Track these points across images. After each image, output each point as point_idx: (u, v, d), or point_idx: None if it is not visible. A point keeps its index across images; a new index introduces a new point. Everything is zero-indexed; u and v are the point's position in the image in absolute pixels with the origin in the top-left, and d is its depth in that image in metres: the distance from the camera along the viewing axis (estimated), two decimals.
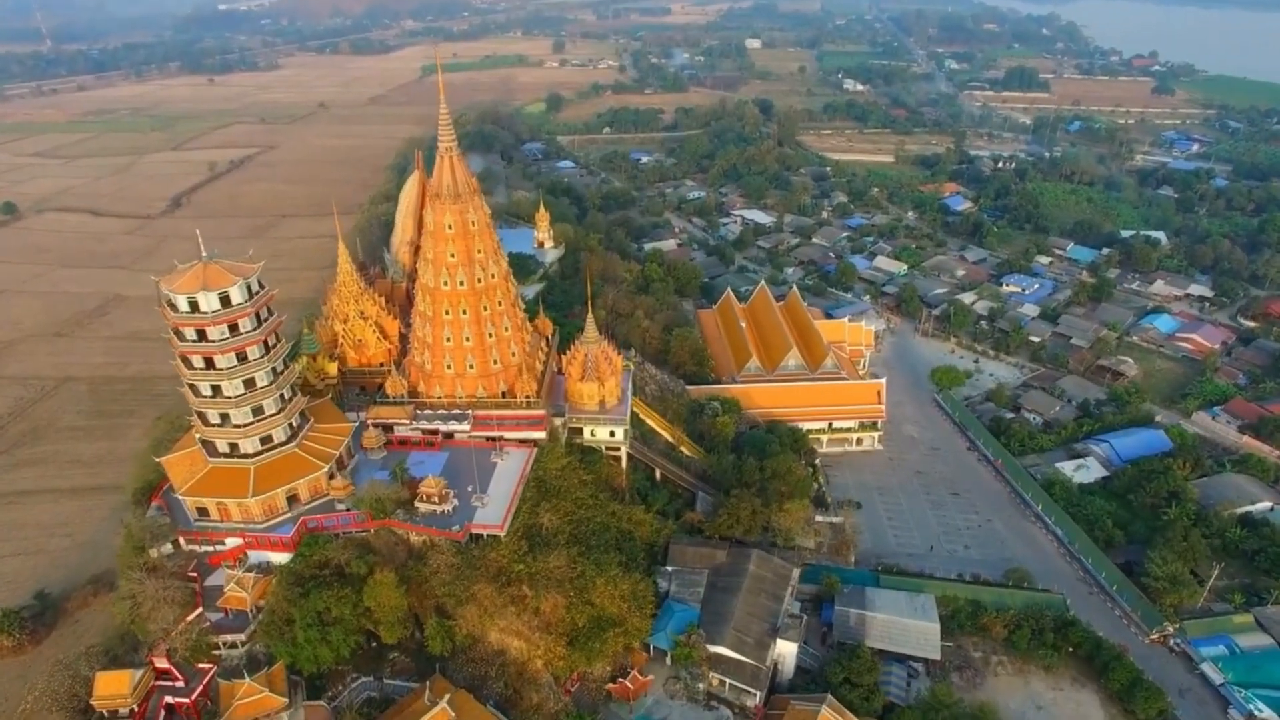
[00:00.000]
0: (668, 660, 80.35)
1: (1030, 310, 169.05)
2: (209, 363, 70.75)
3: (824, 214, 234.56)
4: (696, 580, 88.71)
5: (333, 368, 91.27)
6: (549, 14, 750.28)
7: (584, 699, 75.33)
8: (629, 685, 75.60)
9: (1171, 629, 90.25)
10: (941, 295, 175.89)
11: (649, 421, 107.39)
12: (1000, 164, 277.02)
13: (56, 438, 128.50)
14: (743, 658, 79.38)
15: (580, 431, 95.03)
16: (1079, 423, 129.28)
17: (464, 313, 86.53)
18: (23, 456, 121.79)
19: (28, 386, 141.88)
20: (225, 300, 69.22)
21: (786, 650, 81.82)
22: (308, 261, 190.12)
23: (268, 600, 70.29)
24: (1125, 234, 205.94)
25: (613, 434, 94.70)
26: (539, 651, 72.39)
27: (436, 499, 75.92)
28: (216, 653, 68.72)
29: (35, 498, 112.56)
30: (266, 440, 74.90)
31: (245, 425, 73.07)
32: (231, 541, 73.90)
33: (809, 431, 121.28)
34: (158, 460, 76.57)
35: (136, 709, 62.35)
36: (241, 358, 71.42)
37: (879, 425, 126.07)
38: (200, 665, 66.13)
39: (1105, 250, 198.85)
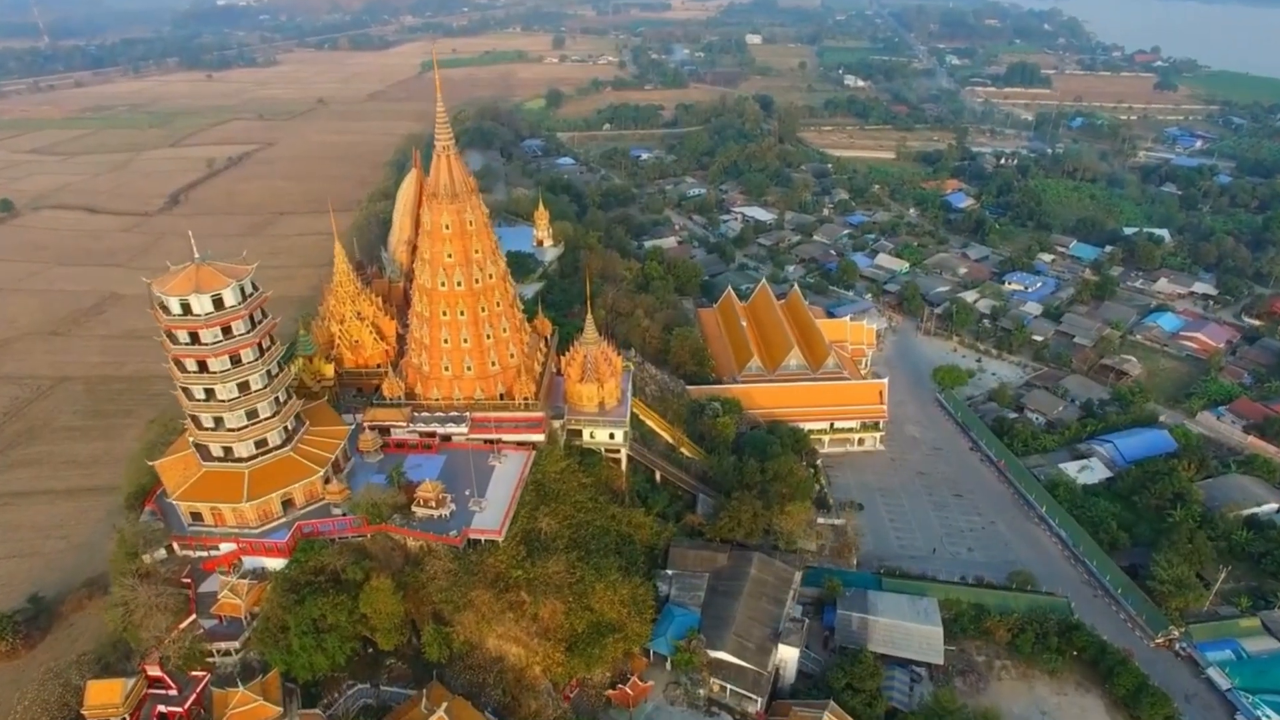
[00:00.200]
0: (668, 665, 79.41)
1: (1033, 309, 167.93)
2: (202, 366, 69.67)
3: (825, 211, 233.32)
4: (697, 584, 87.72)
5: (329, 369, 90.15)
6: (549, 9, 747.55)
7: (583, 705, 74.41)
8: (629, 691, 74.73)
9: (1177, 633, 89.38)
10: (943, 293, 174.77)
11: (649, 422, 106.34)
12: (1002, 161, 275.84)
13: (52, 438, 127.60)
14: (744, 663, 78.46)
15: (579, 433, 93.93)
16: (1082, 423, 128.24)
17: (461, 314, 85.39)
18: (18, 457, 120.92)
19: (23, 386, 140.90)
20: (218, 302, 68.08)
21: (788, 655, 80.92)
22: (306, 259, 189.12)
23: (262, 607, 69.29)
24: (1128, 231, 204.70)
25: (612, 436, 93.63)
26: (537, 658, 71.42)
27: (434, 503, 74.89)
28: (210, 660, 67.70)
29: (30, 499, 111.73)
30: (261, 444, 73.81)
31: (239, 429, 71.99)
32: (226, 547, 72.90)
33: (810, 432, 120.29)
34: (151, 464, 75.47)
35: (129, 718, 61.34)
36: (235, 361, 70.32)
37: (881, 426, 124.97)
38: (193, 673, 65.00)
39: (1108, 248, 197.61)
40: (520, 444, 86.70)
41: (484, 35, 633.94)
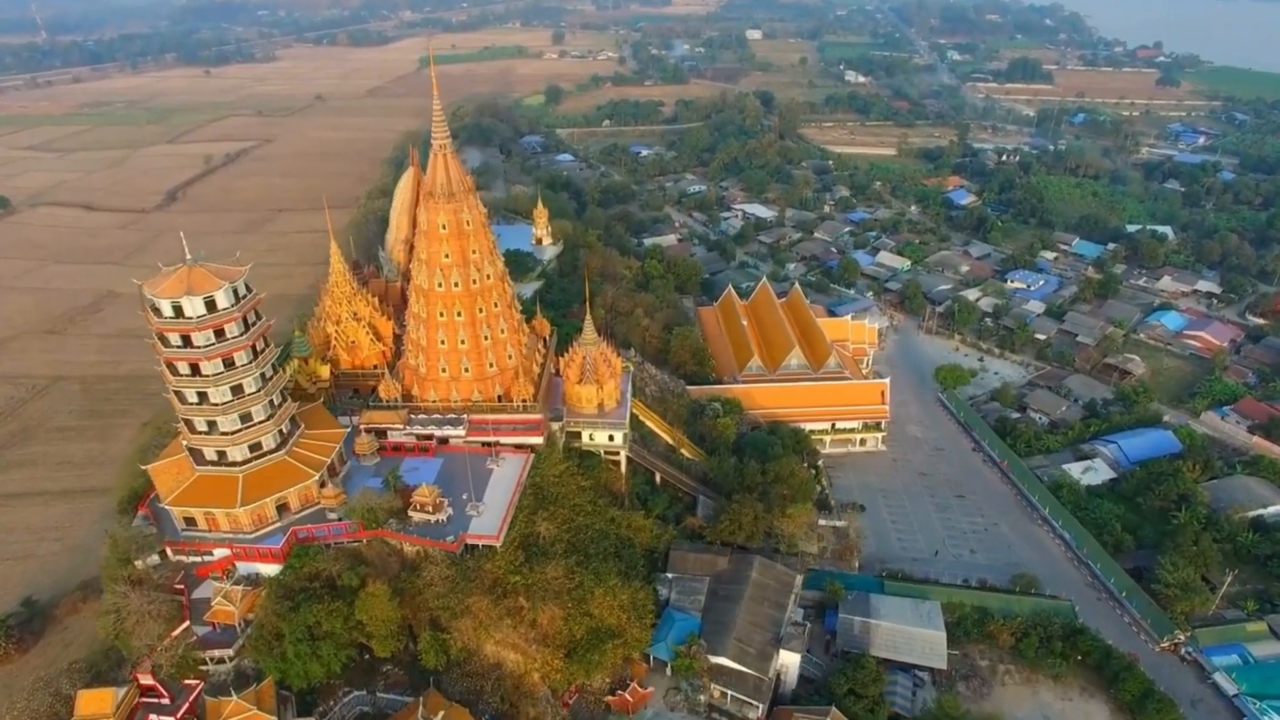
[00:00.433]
0: (668, 671, 78.49)
1: (1035, 307, 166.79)
2: (195, 369, 68.57)
3: (826, 208, 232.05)
4: (697, 588, 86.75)
5: (325, 371, 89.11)
6: (548, 5, 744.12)
7: (582, 712, 73.57)
8: (628, 698, 73.93)
9: (1183, 637, 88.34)
10: (945, 292, 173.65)
11: (649, 423, 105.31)
12: (1004, 157, 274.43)
13: (47, 438, 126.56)
14: (745, 669, 77.52)
15: (578, 435, 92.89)
16: (1086, 423, 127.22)
17: (459, 315, 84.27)
18: (12, 458, 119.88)
19: (19, 385, 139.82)
20: (211, 305, 66.98)
21: (789, 661, 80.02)
22: (303, 257, 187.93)
23: (256, 614, 68.27)
24: (1131, 229, 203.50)
25: (612, 438, 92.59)
26: (536, 664, 70.52)
27: (430, 508, 73.86)
28: (203, 668, 66.67)
29: (25, 500, 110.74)
30: (255, 448, 72.79)
31: (233, 432, 70.95)
32: (220, 552, 71.93)
33: (812, 432, 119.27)
34: (144, 468, 74.42)
35: None
36: (229, 363, 69.23)
37: (883, 426, 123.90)
38: (186, 682, 63.91)
39: (1111, 245, 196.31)
40: (518, 447, 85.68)
41: (483, 30, 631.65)
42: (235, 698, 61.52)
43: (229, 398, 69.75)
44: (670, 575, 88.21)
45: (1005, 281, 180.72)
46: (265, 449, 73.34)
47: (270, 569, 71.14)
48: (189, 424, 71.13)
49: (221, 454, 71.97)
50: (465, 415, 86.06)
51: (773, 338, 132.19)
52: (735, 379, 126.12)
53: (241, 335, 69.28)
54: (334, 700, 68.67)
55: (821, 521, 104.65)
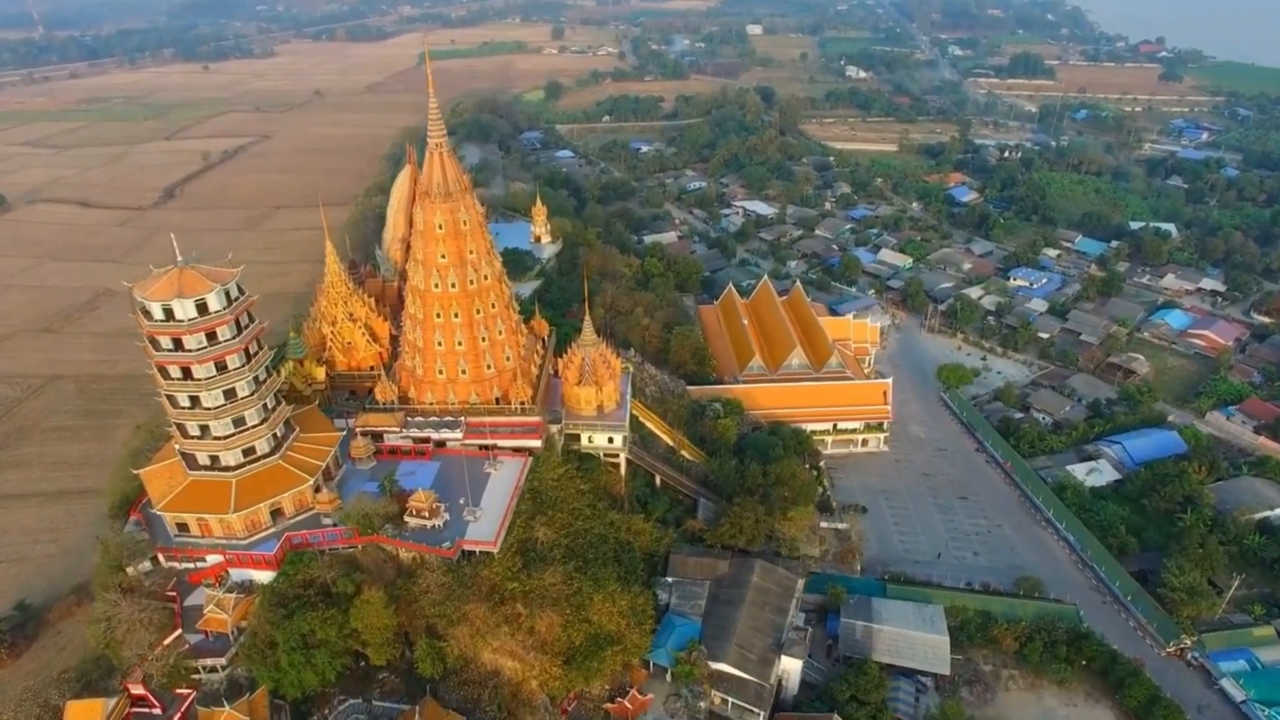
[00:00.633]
0: (668, 678, 77.56)
1: (1038, 305, 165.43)
2: (186, 373, 67.40)
3: (827, 205, 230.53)
4: (698, 592, 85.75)
5: (320, 372, 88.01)
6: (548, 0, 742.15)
7: None
8: (628, 705, 72.95)
9: (1189, 642, 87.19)
10: (948, 289, 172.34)
11: (649, 425, 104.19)
12: (1006, 153, 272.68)
13: (42, 438, 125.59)
14: (746, 675, 76.59)
15: (577, 438, 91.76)
16: (1090, 423, 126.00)
17: (455, 316, 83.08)
18: (7, 459, 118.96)
19: (14, 385, 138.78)
20: (202, 307, 65.77)
21: (791, 666, 79.07)
22: (301, 255, 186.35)
23: (249, 622, 67.26)
24: (1134, 226, 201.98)
25: (611, 440, 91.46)
26: (534, 672, 69.48)
27: (427, 513, 72.77)
28: (196, 677, 65.65)
29: (19, 502, 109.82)
30: (249, 452, 71.67)
31: (226, 437, 69.84)
32: (212, 559, 70.80)
33: (813, 433, 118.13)
34: (136, 472, 73.31)
35: None
36: (221, 367, 68.08)
37: (885, 426, 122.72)
38: (178, 691, 63.00)
39: (1114, 243, 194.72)
40: (516, 450, 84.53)
41: (483, 26, 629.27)
42: (228, 708, 60.59)
43: (221, 402, 68.60)
44: (670, 579, 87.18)
45: (1008, 279, 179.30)
46: (259, 453, 72.21)
47: (264, 576, 70.01)
48: (181, 428, 70.01)
49: (214, 459, 70.86)
50: (462, 418, 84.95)
51: (774, 337, 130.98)
52: (736, 379, 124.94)
53: (234, 338, 68.10)
54: (329, 709, 67.71)
55: (823, 524, 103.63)
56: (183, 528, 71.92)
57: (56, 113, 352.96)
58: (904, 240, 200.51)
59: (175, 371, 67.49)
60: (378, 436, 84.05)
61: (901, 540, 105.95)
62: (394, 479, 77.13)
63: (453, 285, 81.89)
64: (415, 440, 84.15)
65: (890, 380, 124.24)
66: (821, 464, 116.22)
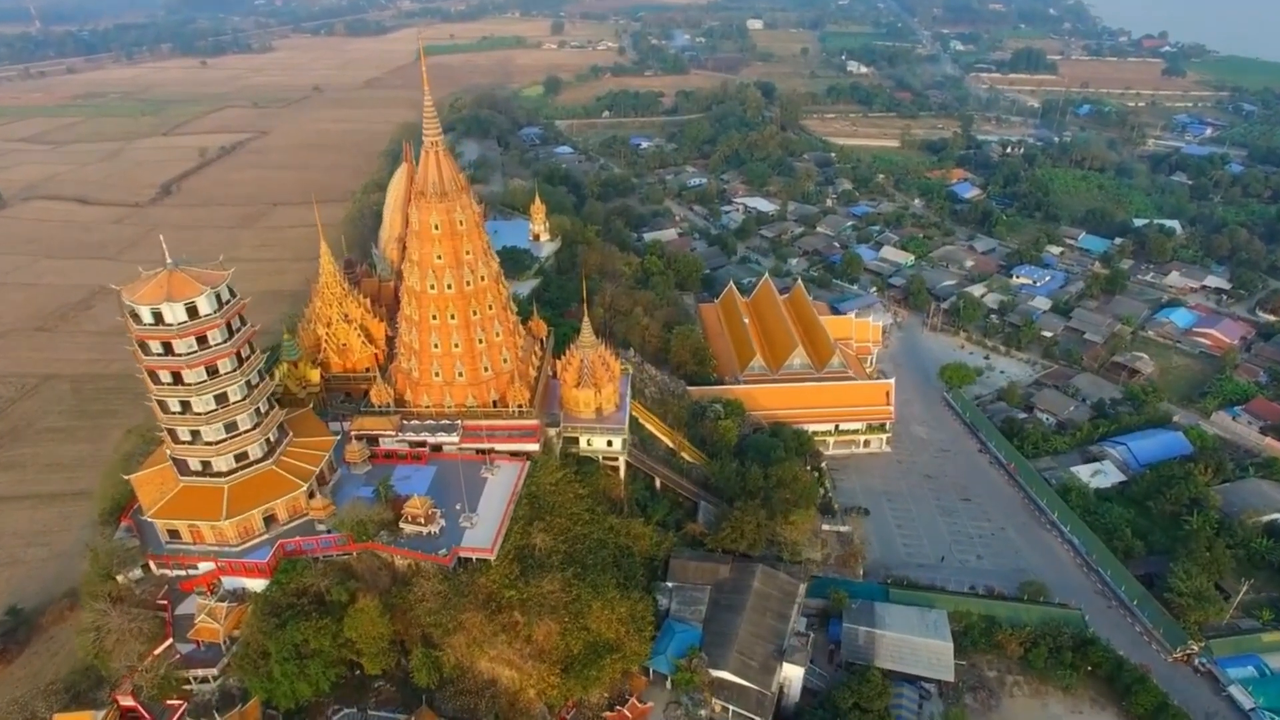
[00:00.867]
0: (668, 685, 76.32)
1: (1042, 303, 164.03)
2: (177, 377, 66.05)
3: (828, 202, 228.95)
4: (698, 597, 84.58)
5: (315, 374, 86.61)
6: None
7: None
8: (627, 713, 71.78)
9: (1196, 648, 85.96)
10: (950, 287, 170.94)
11: (648, 426, 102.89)
12: (1009, 149, 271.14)
13: (36, 439, 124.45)
14: (747, 683, 75.47)
15: (576, 441, 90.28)
16: (1094, 423, 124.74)
17: (452, 318, 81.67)
18: (0, 459, 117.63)
19: (8, 384, 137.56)
20: (192, 311, 64.36)
21: (793, 674, 78.00)
22: (299, 252, 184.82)
23: (242, 631, 66.07)
24: (1138, 223, 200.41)
25: (610, 443, 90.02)
26: (532, 680, 68.34)
27: (422, 520, 71.49)
28: (187, 688, 64.41)
29: (12, 504, 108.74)
30: (241, 457, 70.37)
31: (218, 442, 68.52)
32: (204, 566, 69.57)
33: (815, 434, 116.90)
34: (126, 478, 72.05)
35: None
36: (212, 371, 66.70)
37: (887, 427, 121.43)
38: (169, 702, 61.91)
39: (1118, 240, 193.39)
40: (514, 454, 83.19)
41: (482, 20, 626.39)
42: (220, 719, 59.35)
43: (213, 407, 67.28)
44: (670, 584, 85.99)
45: (1011, 277, 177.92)
46: (251, 459, 70.92)
47: (257, 584, 68.79)
48: (172, 434, 68.72)
49: (206, 464, 69.57)
50: (459, 421, 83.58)
51: (775, 336, 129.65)
52: (737, 379, 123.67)
53: (225, 342, 66.71)
54: (323, 718, 66.47)
55: (825, 526, 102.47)
56: (174, 534, 70.70)
57: (53, 108, 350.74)
58: (906, 237, 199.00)
59: (165, 376, 66.17)
60: (373, 440, 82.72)
61: (904, 543, 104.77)
62: (389, 484, 75.84)
63: (449, 286, 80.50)
64: (411, 444, 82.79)
65: (893, 380, 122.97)
66: (823, 465, 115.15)
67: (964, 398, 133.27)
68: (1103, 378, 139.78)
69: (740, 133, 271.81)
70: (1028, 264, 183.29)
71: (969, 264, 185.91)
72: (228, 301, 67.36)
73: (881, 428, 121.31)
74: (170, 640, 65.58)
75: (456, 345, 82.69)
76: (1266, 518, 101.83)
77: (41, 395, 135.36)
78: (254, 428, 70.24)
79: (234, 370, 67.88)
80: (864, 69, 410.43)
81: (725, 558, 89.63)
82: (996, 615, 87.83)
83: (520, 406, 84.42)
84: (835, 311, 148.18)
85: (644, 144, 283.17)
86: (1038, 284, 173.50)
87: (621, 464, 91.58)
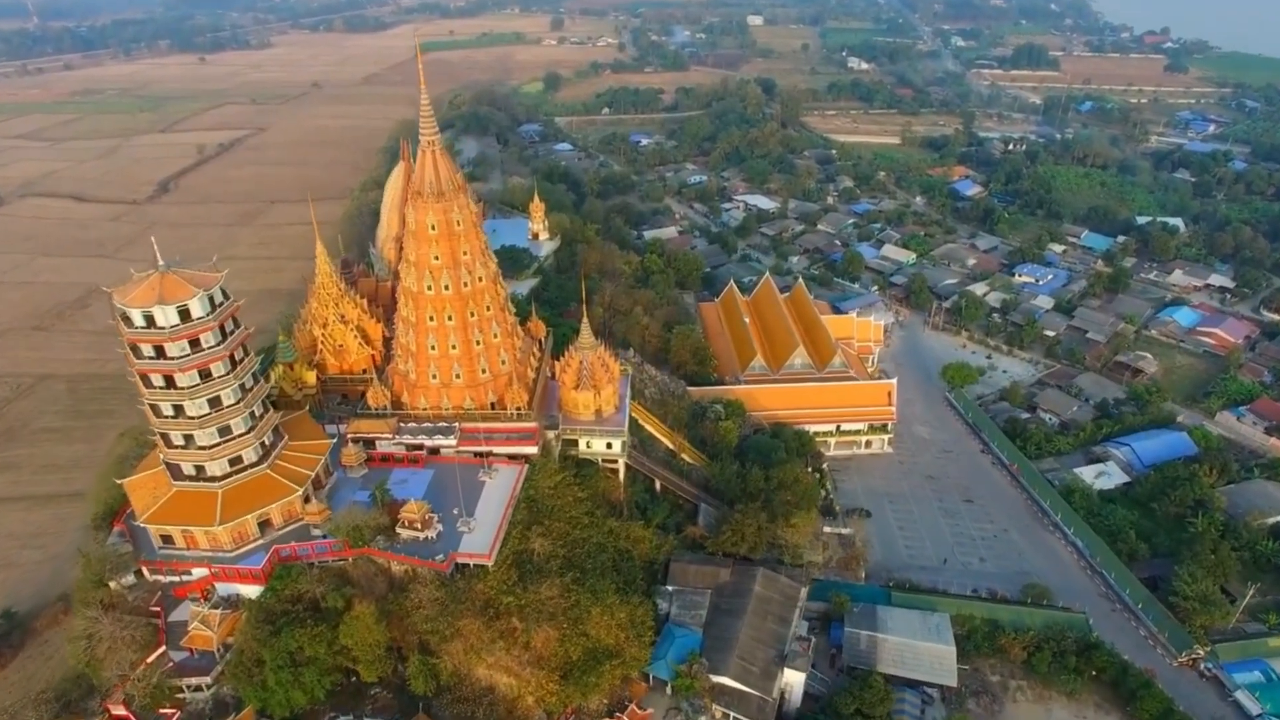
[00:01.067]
0: (668, 690, 75.34)
1: (1044, 302, 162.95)
2: (169, 381, 65.01)
3: (829, 199, 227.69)
4: (699, 601, 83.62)
5: (311, 376, 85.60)
6: None
7: None
8: None
9: (1202, 652, 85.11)
10: (952, 286, 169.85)
11: (648, 428, 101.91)
12: (1010, 146, 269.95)
13: (32, 439, 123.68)
14: (747, 689, 74.45)
15: (575, 443, 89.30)
16: (1097, 424, 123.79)
17: (449, 319, 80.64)
18: None
19: (3, 384, 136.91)
20: (184, 314, 63.26)
21: (794, 680, 77.02)
22: (297, 250, 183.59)
23: (236, 639, 65.11)
24: (1141, 221, 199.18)
25: (610, 445, 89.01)
26: (530, 687, 67.39)
27: (419, 525, 70.50)
28: (180, 697, 63.47)
29: (7, 506, 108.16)
30: (235, 461, 69.33)
31: (211, 447, 67.51)
32: (198, 572, 68.56)
33: (816, 434, 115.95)
34: (119, 482, 71.08)
35: None
36: (205, 375, 65.65)
37: (889, 428, 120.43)
38: (162, 711, 61.00)
39: (1121, 238, 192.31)
40: (512, 457, 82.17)
41: (482, 16, 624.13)
42: None
43: (206, 411, 66.26)
44: (671, 588, 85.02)
45: (1013, 275, 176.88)
46: (246, 463, 69.89)
47: (251, 590, 67.83)
48: (165, 438, 67.70)
49: (200, 469, 68.58)
50: (457, 424, 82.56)
51: (776, 336, 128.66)
52: (738, 379, 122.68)
53: (218, 345, 65.66)
54: None
55: (826, 529, 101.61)
56: (167, 540, 69.68)
57: (50, 105, 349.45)
58: (907, 235, 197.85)
59: (158, 380, 65.14)
60: (369, 443, 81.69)
61: (906, 545, 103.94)
62: (386, 488, 74.74)
63: (446, 287, 79.45)
64: (408, 447, 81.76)
65: (895, 381, 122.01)
66: (824, 466, 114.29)
67: (966, 397, 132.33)
68: (1106, 377, 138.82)
69: (741, 130, 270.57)
70: (1030, 262, 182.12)
71: (971, 262, 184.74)
72: (221, 304, 66.33)
73: (883, 428, 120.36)
74: (163, 648, 64.59)
75: (454, 347, 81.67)
76: (1272, 520, 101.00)
77: (37, 395, 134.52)
78: (248, 431, 69.23)
79: (228, 373, 66.86)
80: (865, 65, 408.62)
81: (726, 561, 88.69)
82: (999, 619, 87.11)
83: (518, 409, 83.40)
84: (836, 310, 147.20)
85: (644, 141, 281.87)
86: (1040, 282, 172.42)
87: (621, 466, 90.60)
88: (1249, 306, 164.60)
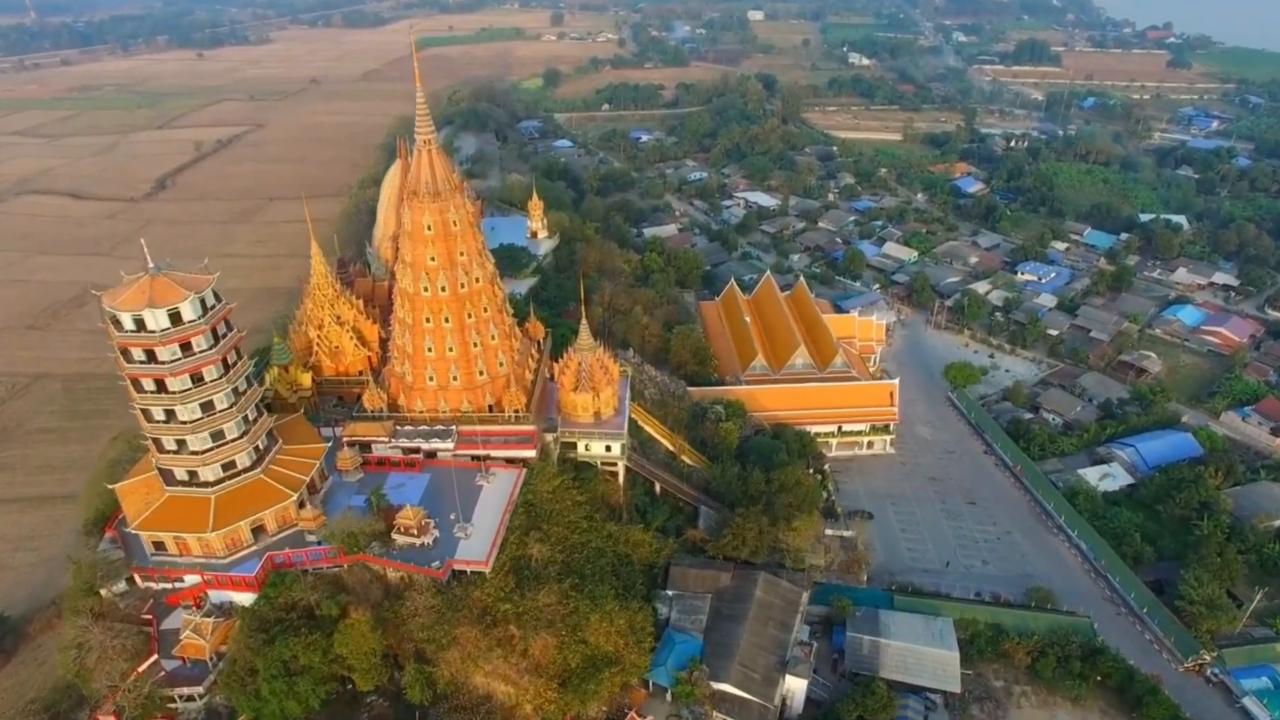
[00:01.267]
0: (668, 697, 74.30)
1: (1047, 300, 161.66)
2: (160, 385, 63.80)
3: (830, 196, 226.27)
4: (699, 606, 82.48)
5: (306, 379, 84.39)
6: None
7: None
8: None
9: (1208, 657, 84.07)
10: (954, 284, 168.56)
11: (648, 429, 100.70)
12: (1012, 143, 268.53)
13: (26, 440, 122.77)
14: (749, 696, 73.46)
15: (573, 446, 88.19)
16: (1101, 424, 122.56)
17: (446, 320, 79.51)
18: None
19: None
20: (175, 317, 62.02)
21: (796, 686, 75.98)
22: (294, 248, 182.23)
23: (229, 647, 64.09)
24: (1144, 218, 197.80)
25: (609, 448, 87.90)
26: (528, 695, 66.30)
27: (415, 531, 69.42)
28: (172, 707, 62.47)
29: (1, 508, 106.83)
30: (229, 467, 68.14)
31: (204, 452, 66.30)
32: (191, 579, 67.48)
33: (817, 435, 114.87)
34: (111, 487, 69.99)
35: None
36: (197, 379, 64.42)
37: (891, 428, 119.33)
38: None
39: (1124, 235, 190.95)
40: (510, 460, 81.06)
41: (481, 11, 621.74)
42: None
43: (198, 415, 65.05)
44: (671, 592, 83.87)
45: (1015, 273, 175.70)
46: (239, 468, 68.71)
47: (245, 598, 66.74)
48: (157, 443, 66.56)
49: (192, 474, 67.41)
50: (454, 427, 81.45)
51: (777, 335, 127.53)
52: (738, 379, 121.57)
53: (210, 349, 64.45)
54: None
55: (828, 531, 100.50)
56: (160, 546, 68.58)
57: (47, 101, 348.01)
58: (909, 233, 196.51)
59: (149, 384, 63.91)
60: (365, 447, 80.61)
61: (909, 548, 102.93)
62: (382, 493, 73.64)
63: (442, 289, 78.29)
64: (404, 451, 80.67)
65: (897, 381, 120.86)
66: (826, 468, 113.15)
67: (969, 397, 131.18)
68: (1110, 377, 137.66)
69: (741, 126, 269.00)
70: (1032, 260, 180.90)
71: (973, 260, 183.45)
72: (213, 306, 65.09)
73: (885, 429, 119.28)
74: (155, 657, 63.53)
75: (451, 349, 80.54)
76: (1279, 522, 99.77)
77: (32, 395, 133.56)
78: (241, 436, 68.06)
79: (220, 377, 65.62)
80: (866, 61, 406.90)
81: (726, 565, 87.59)
82: (1003, 623, 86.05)
83: (516, 411, 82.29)
84: (838, 309, 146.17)
85: (644, 137, 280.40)
86: (1043, 280, 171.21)
87: (620, 469, 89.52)
88: (1253, 305, 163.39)
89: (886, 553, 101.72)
